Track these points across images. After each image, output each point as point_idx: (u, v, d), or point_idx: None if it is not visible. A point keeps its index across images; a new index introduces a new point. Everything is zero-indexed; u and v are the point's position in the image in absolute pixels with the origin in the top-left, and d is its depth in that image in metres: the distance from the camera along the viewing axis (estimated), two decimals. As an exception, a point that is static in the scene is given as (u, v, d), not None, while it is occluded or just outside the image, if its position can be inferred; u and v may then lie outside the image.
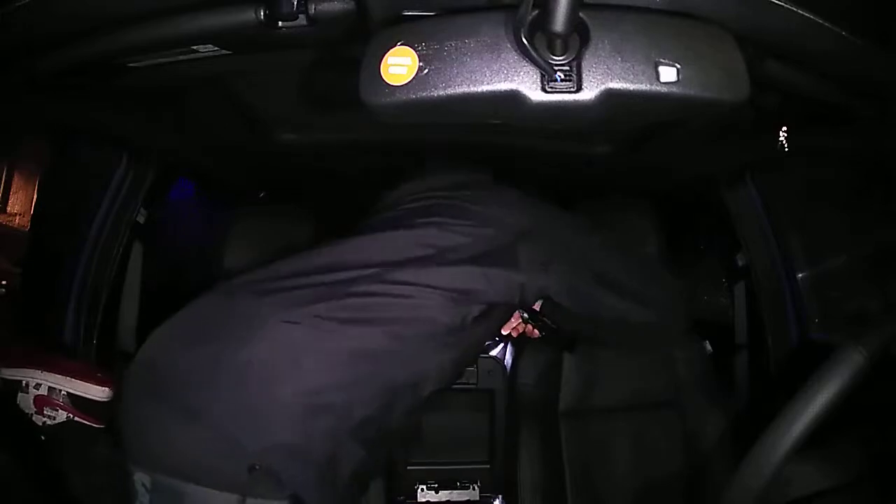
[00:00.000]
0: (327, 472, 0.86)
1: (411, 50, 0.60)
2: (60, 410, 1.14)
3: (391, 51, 0.60)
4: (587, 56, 0.59)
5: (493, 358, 1.74)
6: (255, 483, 0.80)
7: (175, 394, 0.82)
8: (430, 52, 0.59)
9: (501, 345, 1.78)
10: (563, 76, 0.59)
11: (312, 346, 0.86)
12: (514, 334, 1.30)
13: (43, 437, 1.11)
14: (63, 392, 1.14)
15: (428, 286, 0.92)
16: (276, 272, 0.94)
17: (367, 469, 0.96)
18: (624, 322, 1.11)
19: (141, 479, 0.83)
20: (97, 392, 1.16)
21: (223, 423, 0.80)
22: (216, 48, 0.78)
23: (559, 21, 0.54)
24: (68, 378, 1.15)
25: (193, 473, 0.80)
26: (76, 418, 1.14)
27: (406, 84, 0.59)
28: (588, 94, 0.58)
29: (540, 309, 1.37)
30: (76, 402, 1.14)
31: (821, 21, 0.63)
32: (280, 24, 0.67)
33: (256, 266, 0.97)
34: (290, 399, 0.83)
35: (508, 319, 1.13)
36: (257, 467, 0.80)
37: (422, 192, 1.07)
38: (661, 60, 0.58)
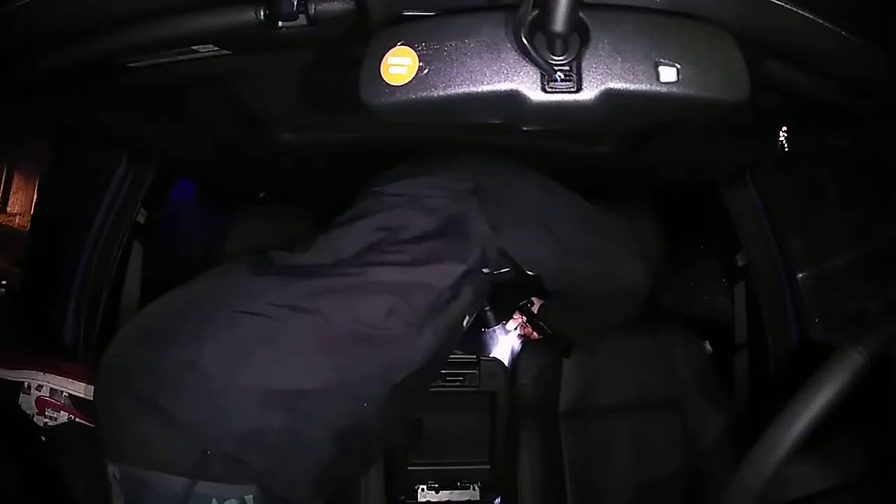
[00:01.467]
0: (292, 462, 0.87)
1: (411, 50, 0.60)
2: (62, 412, 1.14)
3: (391, 51, 0.60)
4: (587, 56, 0.59)
5: (495, 360, 1.74)
6: (207, 466, 0.81)
7: (141, 388, 0.84)
8: (430, 52, 0.59)
9: (503, 346, 1.78)
10: (563, 76, 0.59)
11: (271, 336, 0.87)
12: (521, 331, 1.30)
13: (43, 438, 1.11)
14: (65, 393, 1.14)
15: (391, 264, 0.94)
16: (239, 265, 0.98)
17: (345, 464, 0.96)
18: (591, 292, 1.12)
19: (112, 470, 0.85)
20: (98, 393, 1.16)
21: (184, 413, 0.82)
22: (216, 48, 0.78)
23: (559, 21, 0.54)
24: (70, 380, 1.15)
25: (154, 461, 0.82)
26: (77, 419, 1.14)
27: (406, 84, 0.59)
28: (588, 94, 0.58)
29: (537, 312, 1.37)
30: (77, 403, 1.15)
31: (821, 21, 0.63)
32: (280, 24, 0.67)
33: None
34: (249, 387, 0.84)
35: (486, 289, 1.11)
36: (209, 452, 0.81)
37: (381, 185, 1.09)
38: (661, 60, 0.58)
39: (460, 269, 0.98)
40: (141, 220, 1.42)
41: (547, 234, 1.04)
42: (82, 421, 1.14)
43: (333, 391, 0.89)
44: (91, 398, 1.15)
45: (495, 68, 0.59)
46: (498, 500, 1.77)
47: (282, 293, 0.90)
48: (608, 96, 0.59)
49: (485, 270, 1.04)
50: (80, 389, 1.15)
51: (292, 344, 0.88)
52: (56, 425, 1.13)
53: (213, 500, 0.82)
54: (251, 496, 0.84)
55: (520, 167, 1.14)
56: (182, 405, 0.82)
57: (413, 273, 0.95)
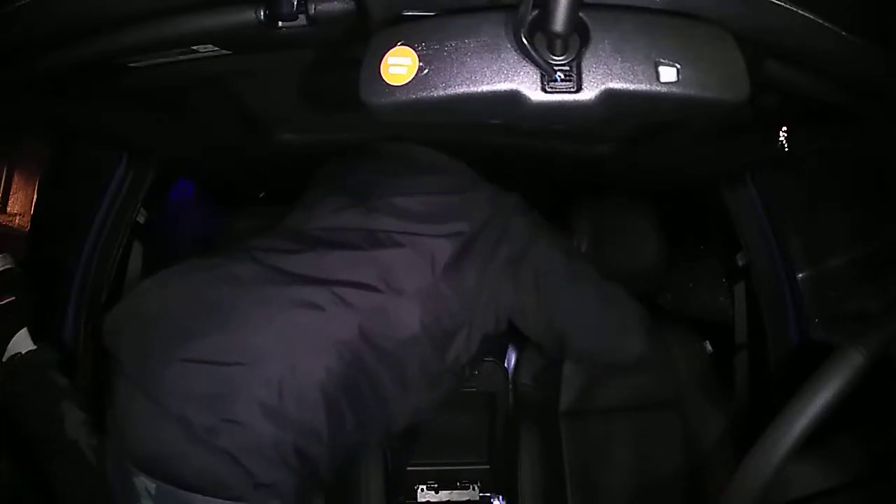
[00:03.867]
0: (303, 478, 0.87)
1: (411, 50, 0.60)
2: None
3: (391, 51, 0.60)
4: (587, 56, 0.59)
5: (494, 361, 1.74)
6: (254, 490, 0.82)
7: (167, 398, 0.83)
8: (430, 52, 0.60)
9: (502, 346, 1.78)
10: (563, 76, 0.59)
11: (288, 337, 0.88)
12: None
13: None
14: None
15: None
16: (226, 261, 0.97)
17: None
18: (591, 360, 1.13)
19: (145, 483, 0.84)
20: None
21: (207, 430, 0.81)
22: (216, 48, 0.78)
23: (559, 21, 0.54)
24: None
25: (199, 484, 0.81)
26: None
27: (406, 84, 0.59)
28: (588, 94, 0.59)
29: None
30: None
31: (821, 21, 0.63)
32: (280, 24, 0.67)
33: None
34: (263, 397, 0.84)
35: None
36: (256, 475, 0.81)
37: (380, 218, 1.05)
38: (661, 60, 0.58)
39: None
40: (141, 220, 1.42)
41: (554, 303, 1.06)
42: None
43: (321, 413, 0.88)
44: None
45: (495, 68, 0.59)
46: (498, 501, 1.77)
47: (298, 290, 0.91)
48: (608, 96, 0.59)
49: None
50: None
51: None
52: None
53: None
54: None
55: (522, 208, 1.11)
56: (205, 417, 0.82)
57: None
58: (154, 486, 0.83)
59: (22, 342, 1.11)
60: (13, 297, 1.11)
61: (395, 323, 0.95)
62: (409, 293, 0.96)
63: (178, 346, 0.85)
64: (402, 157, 1.16)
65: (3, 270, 1.11)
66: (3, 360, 1.10)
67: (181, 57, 0.80)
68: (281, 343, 0.87)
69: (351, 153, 1.20)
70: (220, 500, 0.81)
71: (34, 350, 1.11)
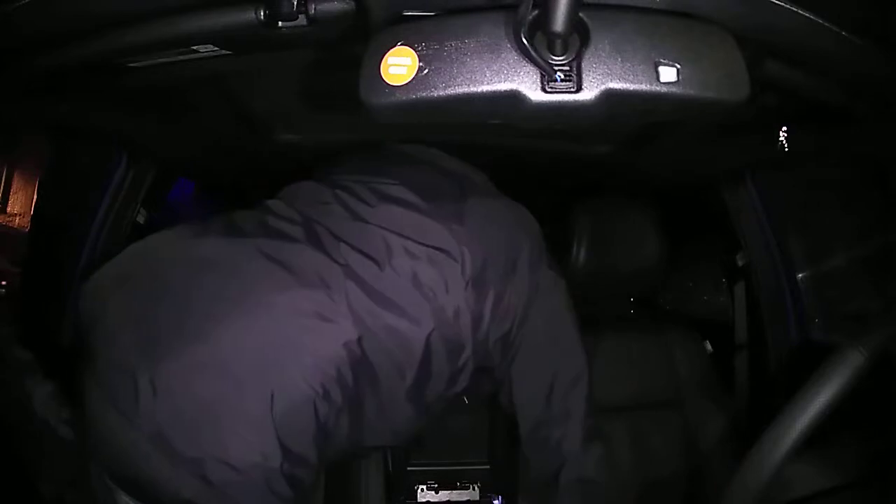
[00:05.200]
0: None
1: (411, 50, 0.60)
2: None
3: (391, 51, 0.60)
4: (587, 56, 0.59)
5: None
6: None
7: (140, 417, 0.77)
8: (430, 52, 0.60)
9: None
10: (563, 76, 0.59)
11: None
12: None
13: None
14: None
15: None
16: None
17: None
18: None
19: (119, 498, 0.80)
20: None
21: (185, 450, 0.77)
22: (216, 48, 0.78)
23: (559, 21, 0.54)
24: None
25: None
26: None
27: (406, 84, 0.59)
28: (588, 94, 0.59)
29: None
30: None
31: (821, 21, 0.63)
32: (280, 24, 0.67)
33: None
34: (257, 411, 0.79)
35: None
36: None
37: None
38: (661, 60, 0.58)
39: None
40: (141, 220, 1.42)
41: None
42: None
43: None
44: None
45: (495, 68, 0.59)
46: (498, 500, 1.77)
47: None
48: (608, 96, 0.59)
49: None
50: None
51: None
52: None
53: None
54: None
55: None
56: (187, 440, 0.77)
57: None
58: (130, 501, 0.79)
59: None
60: None
61: (395, 339, 0.89)
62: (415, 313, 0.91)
63: (158, 352, 0.78)
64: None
65: None
66: None
67: (181, 57, 0.80)
68: (271, 352, 0.81)
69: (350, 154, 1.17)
70: None
71: None
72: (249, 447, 0.78)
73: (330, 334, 0.84)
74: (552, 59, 0.58)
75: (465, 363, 0.98)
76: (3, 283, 1.76)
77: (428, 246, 0.94)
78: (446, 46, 0.59)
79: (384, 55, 0.60)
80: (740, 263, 1.45)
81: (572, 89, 0.59)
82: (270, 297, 0.83)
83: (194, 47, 0.77)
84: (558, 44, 0.58)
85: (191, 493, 0.76)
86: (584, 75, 0.59)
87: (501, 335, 1.01)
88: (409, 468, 1.77)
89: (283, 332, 0.82)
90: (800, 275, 1.37)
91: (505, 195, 1.12)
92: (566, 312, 1.07)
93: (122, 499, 0.80)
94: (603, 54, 0.59)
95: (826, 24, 0.64)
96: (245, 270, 0.86)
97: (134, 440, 0.77)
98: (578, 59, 0.59)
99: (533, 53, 0.57)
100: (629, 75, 0.58)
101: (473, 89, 0.59)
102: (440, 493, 1.78)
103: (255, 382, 0.79)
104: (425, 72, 0.59)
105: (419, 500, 1.78)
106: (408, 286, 0.91)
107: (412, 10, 0.64)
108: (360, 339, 0.86)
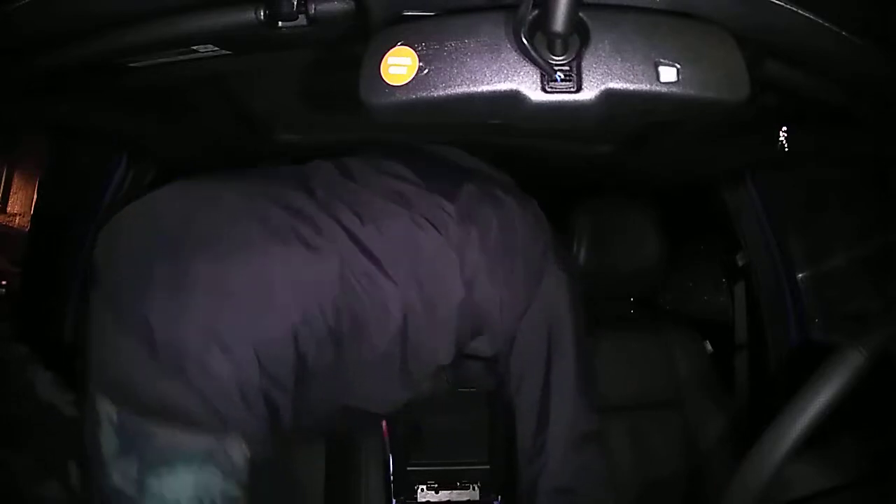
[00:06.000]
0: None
1: (411, 50, 0.60)
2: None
3: (391, 51, 0.60)
4: (587, 56, 0.59)
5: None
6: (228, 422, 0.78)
7: (140, 325, 0.77)
8: (430, 52, 0.60)
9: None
10: (563, 76, 0.59)
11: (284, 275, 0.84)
12: None
13: None
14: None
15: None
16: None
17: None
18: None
19: (107, 410, 0.79)
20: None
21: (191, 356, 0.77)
22: (216, 48, 0.78)
23: (559, 21, 0.54)
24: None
25: (162, 413, 0.77)
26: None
27: (406, 84, 0.59)
28: (588, 94, 0.59)
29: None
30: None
31: (821, 21, 0.63)
32: (280, 24, 0.67)
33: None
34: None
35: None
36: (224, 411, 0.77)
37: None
38: (661, 60, 0.58)
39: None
40: (141, 220, 1.42)
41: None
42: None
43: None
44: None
45: (495, 68, 0.59)
46: (498, 500, 1.77)
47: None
48: (608, 96, 0.59)
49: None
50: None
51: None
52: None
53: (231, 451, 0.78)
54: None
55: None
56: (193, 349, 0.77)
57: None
58: (116, 414, 0.78)
59: None
60: None
61: (375, 291, 0.90)
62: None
63: (157, 275, 0.79)
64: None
65: None
66: None
67: (181, 57, 0.80)
68: (263, 276, 0.83)
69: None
70: (186, 434, 0.77)
71: None
72: (230, 357, 0.79)
73: (314, 262, 0.86)
74: (552, 59, 0.58)
75: (447, 334, 0.98)
76: (3, 282, 1.76)
77: (416, 213, 0.96)
78: (446, 46, 0.59)
79: (384, 55, 0.60)
80: (740, 263, 1.45)
81: (572, 89, 0.59)
82: (263, 224, 0.86)
83: (194, 47, 0.77)
84: (558, 44, 0.58)
85: (172, 393, 0.77)
86: (584, 75, 0.58)
87: (493, 321, 1.02)
88: (409, 468, 1.77)
89: (271, 254, 0.84)
90: (800, 275, 1.38)
91: (523, 193, 1.13)
92: (567, 314, 1.07)
93: (105, 407, 0.79)
94: (603, 54, 0.59)
95: (826, 24, 0.64)
96: (243, 209, 0.89)
97: (133, 357, 0.78)
98: (578, 59, 0.59)
99: (533, 53, 0.57)
100: (629, 75, 0.58)
101: (473, 89, 0.59)
102: (440, 493, 1.78)
103: (239, 301, 0.81)
104: (425, 72, 0.59)
105: (419, 500, 1.78)
106: (392, 247, 0.92)
107: (412, 10, 0.64)
108: (342, 277, 0.87)
